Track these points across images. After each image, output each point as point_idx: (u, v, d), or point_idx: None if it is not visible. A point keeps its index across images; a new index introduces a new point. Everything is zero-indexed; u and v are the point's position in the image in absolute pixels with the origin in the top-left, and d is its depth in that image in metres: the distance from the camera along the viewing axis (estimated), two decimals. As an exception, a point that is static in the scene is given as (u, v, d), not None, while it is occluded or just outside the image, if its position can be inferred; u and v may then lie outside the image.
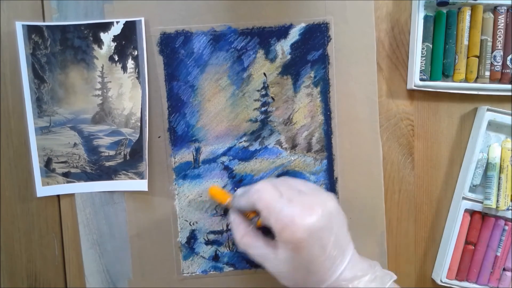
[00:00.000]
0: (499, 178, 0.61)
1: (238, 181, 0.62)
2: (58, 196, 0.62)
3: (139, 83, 0.60)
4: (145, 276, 0.62)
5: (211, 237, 0.63)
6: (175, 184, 0.62)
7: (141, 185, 0.61)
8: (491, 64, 0.61)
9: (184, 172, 0.62)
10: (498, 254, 0.62)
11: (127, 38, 0.60)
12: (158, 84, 0.61)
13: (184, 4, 0.60)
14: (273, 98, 0.61)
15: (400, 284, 0.64)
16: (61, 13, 0.60)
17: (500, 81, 0.61)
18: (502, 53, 0.60)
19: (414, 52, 0.60)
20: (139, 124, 0.60)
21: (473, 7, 0.60)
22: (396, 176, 0.64)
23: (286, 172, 0.62)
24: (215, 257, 0.63)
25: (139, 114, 0.60)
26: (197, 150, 0.62)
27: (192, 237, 0.63)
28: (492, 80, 0.61)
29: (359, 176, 0.62)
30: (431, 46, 0.61)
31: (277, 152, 0.62)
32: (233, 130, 0.62)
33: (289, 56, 0.61)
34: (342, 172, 0.62)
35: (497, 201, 0.60)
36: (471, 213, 0.63)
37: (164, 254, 0.63)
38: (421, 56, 0.61)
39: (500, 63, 0.61)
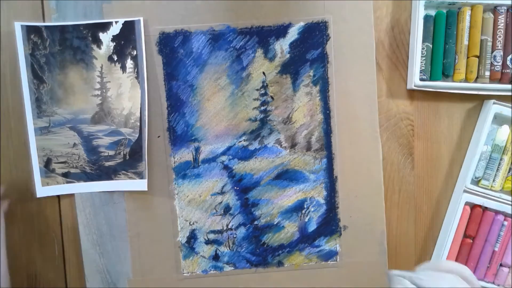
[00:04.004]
0: (501, 159, 0.61)
1: (237, 180, 0.62)
2: (58, 196, 0.62)
3: (138, 83, 0.60)
4: (145, 276, 0.63)
5: (211, 236, 0.63)
6: (175, 183, 0.62)
7: (140, 184, 0.61)
8: (491, 64, 0.60)
9: (184, 171, 0.62)
10: (496, 249, 0.62)
11: (126, 38, 0.60)
12: (157, 84, 0.61)
13: (183, 4, 0.60)
14: (272, 97, 0.61)
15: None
16: (60, 13, 0.60)
17: (500, 81, 0.61)
18: (502, 53, 0.60)
19: (414, 52, 0.60)
20: (139, 124, 0.60)
21: (473, 7, 0.60)
22: (396, 176, 0.64)
23: (286, 171, 0.62)
24: (215, 257, 0.63)
25: (138, 114, 0.60)
26: (197, 150, 0.62)
27: (192, 237, 0.63)
28: (492, 80, 0.61)
29: (359, 175, 0.62)
30: (431, 46, 0.61)
31: (276, 151, 0.62)
32: (232, 130, 0.62)
33: (288, 55, 0.61)
34: (342, 171, 0.62)
35: (493, 180, 0.61)
36: (472, 206, 0.63)
37: (164, 254, 0.63)
38: (421, 56, 0.60)
39: (500, 63, 0.60)
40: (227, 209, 0.63)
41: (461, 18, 0.60)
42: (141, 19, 0.59)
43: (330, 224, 0.63)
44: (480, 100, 0.63)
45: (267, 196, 0.63)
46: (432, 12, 0.61)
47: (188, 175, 0.62)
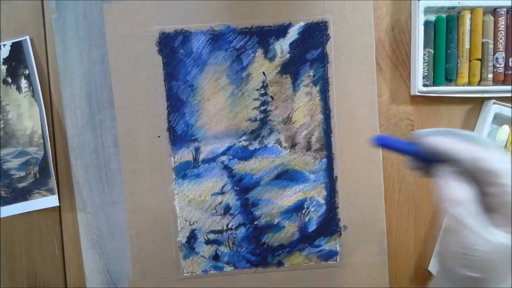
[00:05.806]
0: None
1: (237, 180, 0.62)
2: (58, 195, 0.62)
3: (35, 100, 0.61)
4: (145, 276, 0.63)
5: (211, 236, 0.63)
6: (175, 183, 0.62)
7: (52, 201, 0.62)
8: (494, 66, 0.60)
9: (184, 171, 0.62)
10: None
11: (17, 59, 0.61)
12: (157, 84, 0.60)
13: (183, 3, 0.60)
14: (272, 97, 0.61)
15: (400, 284, 0.64)
16: (60, 13, 0.60)
17: (503, 82, 0.61)
18: (504, 54, 0.60)
19: (416, 58, 0.60)
20: (42, 141, 0.61)
21: (473, 11, 0.60)
22: (396, 176, 0.64)
23: (286, 171, 0.62)
24: (215, 257, 0.63)
25: (40, 131, 0.61)
26: (197, 150, 0.62)
27: (192, 237, 0.63)
28: (495, 82, 0.61)
29: (359, 175, 0.62)
30: (432, 51, 0.61)
31: (276, 151, 0.62)
32: (232, 129, 0.62)
33: (288, 55, 0.61)
34: (342, 171, 0.62)
35: None
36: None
37: (164, 254, 0.63)
38: (423, 62, 0.61)
39: (502, 65, 0.60)
40: (227, 209, 0.63)
41: (461, 22, 0.60)
42: (27, 38, 0.60)
43: (330, 224, 0.63)
44: (480, 100, 0.63)
45: (267, 196, 0.62)
46: (432, 18, 0.61)
47: (188, 175, 0.62)
